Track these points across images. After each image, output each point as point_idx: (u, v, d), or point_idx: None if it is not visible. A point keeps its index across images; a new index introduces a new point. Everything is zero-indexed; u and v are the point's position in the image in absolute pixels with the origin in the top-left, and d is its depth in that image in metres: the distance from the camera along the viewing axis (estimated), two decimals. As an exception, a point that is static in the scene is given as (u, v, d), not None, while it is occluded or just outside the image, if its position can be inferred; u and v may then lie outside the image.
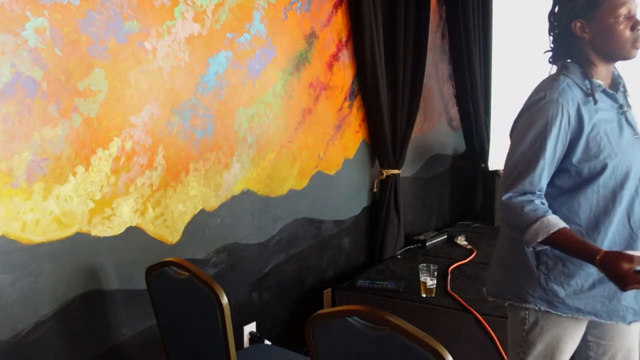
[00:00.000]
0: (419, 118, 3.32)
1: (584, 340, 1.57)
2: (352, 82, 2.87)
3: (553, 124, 1.40)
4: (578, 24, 1.45)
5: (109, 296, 1.80)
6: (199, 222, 2.08)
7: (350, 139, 2.90)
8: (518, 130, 1.47)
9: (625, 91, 1.54)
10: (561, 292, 1.45)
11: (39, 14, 1.54)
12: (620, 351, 1.56)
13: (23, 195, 1.53)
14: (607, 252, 1.31)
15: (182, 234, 2.02)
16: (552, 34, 1.54)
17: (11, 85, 1.49)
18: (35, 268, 1.58)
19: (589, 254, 1.33)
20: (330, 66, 2.70)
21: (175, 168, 1.97)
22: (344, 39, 2.78)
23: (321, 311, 1.25)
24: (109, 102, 1.73)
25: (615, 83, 1.53)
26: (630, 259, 1.26)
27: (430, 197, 3.84)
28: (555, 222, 1.37)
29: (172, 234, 1.98)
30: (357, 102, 2.91)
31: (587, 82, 1.45)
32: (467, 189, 4.30)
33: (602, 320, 1.46)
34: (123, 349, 1.85)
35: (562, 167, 1.45)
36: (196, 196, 2.05)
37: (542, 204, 1.41)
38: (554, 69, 1.56)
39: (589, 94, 1.43)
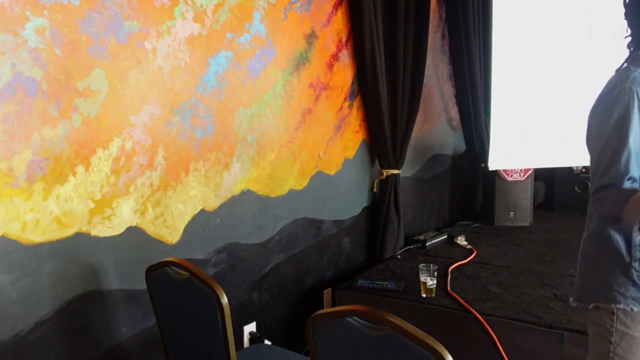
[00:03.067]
0: (419, 118, 3.32)
1: None
2: (352, 82, 2.87)
3: (632, 111, 1.36)
4: None
5: (109, 296, 1.80)
6: (199, 222, 2.08)
7: (350, 139, 2.90)
8: (596, 124, 1.43)
9: None
10: None
11: (39, 14, 1.54)
12: None
13: (23, 195, 1.53)
14: None
15: (182, 234, 2.02)
16: (627, 21, 1.49)
17: (11, 85, 1.49)
18: (35, 268, 1.58)
19: None
20: (330, 66, 2.70)
21: (175, 168, 1.97)
22: (344, 39, 2.78)
23: (321, 311, 1.25)
24: (109, 102, 1.73)
25: None
26: None
27: (430, 197, 3.84)
28: None
29: (172, 234, 1.98)
30: (357, 102, 2.91)
31: None
32: (467, 189, 4.30)
33: None
34: (123, 349, 1.85)
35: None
36: (196, 196, 2.05)
37: (635, 182, 1.35)
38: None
39: None
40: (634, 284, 1.37)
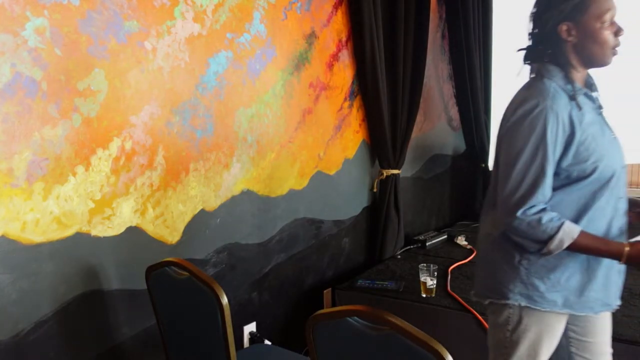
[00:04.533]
0: (419, 118, 3.32)
1: (566, 337, 1.61)
2: (352, 82, 2.87)
3: (551, 132, 1.39)
4: (565, 27, 1.45)
5: (109, 296, 1.80)
6: (199, 222, 2.08)
7: (350, 139, 2.90)
8: (514, 142, 1.44)
9: (597, 91, 1.56)
10: (541, 287, 1.47)
11: (39, 14, 1.54)
12: (599, 345, 1.60)
13: (23, 195, 1.53)
14: (632, 244, 1.38)
15: (182, 234, 2.02)
16: (532, 35, 1.54)
17: (11, 85, 1.49)
18: (35, 268, 1.58)
19: (617, 249, 1.39)
20: (330, 66, 2.70)
21: (175, 168, 1.97)
22: (344, 39, 2.78)
23: (321, 311, 1.25)
24: (109, 102, 1.73)
25: (589, 84, 1.55)
26: None
27: (430, 197, 3.84)
28: (573, 225, 1.40)
29: (172, 234, 1.98)
30: (357, 102, 2.91)
31: (569, 86, 1.45)
32: (467, 189, 4.30)
33: (575, 313, 1.50)
34: (123, 349, 1.85)
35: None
36: (196, 196, 2.05)
37: (550, 211, 1.42)
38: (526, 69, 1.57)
39: (573, 98, 1.44)
40: (522, 281, 1.48)
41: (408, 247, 3.24)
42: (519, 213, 1.40)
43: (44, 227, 1.59)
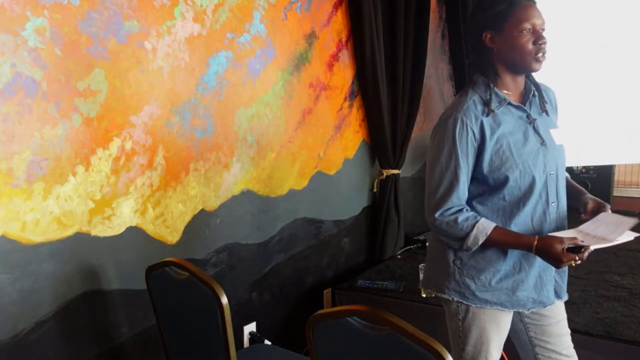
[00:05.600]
0: (419, 118, 3.32)
1: (522, 322, 1.69)
2: (352, 82, 2.87)
3: (460, 141, 1.50)
4: (488, 35, 1.53)
5: (109, 296, 1.80)
6: (199, 222, 2.08)
7: (350, 139, 2.90)
8: (432, 150, 1.56)
9: (542, 99, 1.61)
10: (472, 286, 1.57)
11: (39, 14, 1.54)
12: (556, 325, 1.67)
13: (23, 195, 1.53)
14: (540, 238, 1.48)
15: (182, 234, 2.02)
16: (467, 46, 1.63)
17: (11, 85, 1.49)
18: (35, 268, 1.58)
19: (527, 242, 1.49)
20: (330, 66, 2.70)
21: (175, 168, 1.97)
22: (344, 39, 2.78)
23: (321, 311, 1.25)
24: (109, 102, 1.73)
25: (527, 91, 1.60)
26: (561, 240, 1.45)
27: (430, 197, 3.84)
28: (488, 223, 1.51)
29: (172, 234, 1.98)
30: (357, 102, 2.91)
31: (487, 93, 1.53)
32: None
33: (505, 310, 1.59)
34: (123, 349, 1.85)
35: (472, 176, 1.55)
36: (196, 196, 2.05)
37: (468, 210, 1.53)
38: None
39: (487, 104, 1.52)
40: (455, 279, 1.59)
41: (408, 247, 3.23)
42: (437, 214, 1.53)
43: (44, 227, 1.59)
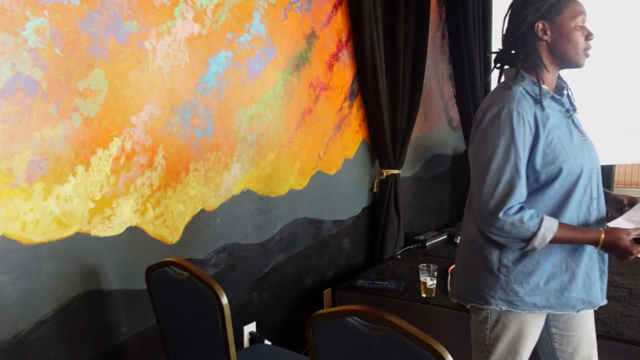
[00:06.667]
0: (419, 118, 3.32)
1: (549, 333, 1.64)
2: (352, 82, 2.87)
3: (518, 133, 1.43)
4: (540, 25, 1.49)
5: (109, 296, 1.80)
6: (199, 222, 2.08)
7: (350, 139, 2.90)
8: (485, 146, 1.47)
9: (570, 95, 1.60)
10: (520, 291, 1.51)
11: (39, 14, 1.54)
12: (583, 339, 1.63)
13: (23, 195, 1.53)
14: (607, 231, 1.44)
15: (182, 234, 2.02)
16: (506, 36, 1.58)
17: (11, 85, 1.49)
18: (35, 268, 1.58)
19: (594, 236, 1.44)
20: (330, 66, 2.70)
21: (175, 168, 1.97)
22: (344, 39, 2.78)
23: (321, 311, 1.25)
24: (109, 102, 1.73)
25: (560, 88, 1.59)
26: (628, 232, 1.42)
27: (430, 197, 3.84)
28: (551, 219, 1.45)
29: (172, 234, 1.98)
30: (357, 102, 2.91)
31: (536, 88, 1.49)
32: (467, 189, 4.30)
33: (555, 312, 1.54)
34: (123, 349, 1.85)
35: None
36: (196, 196, 2.05)
37: (527, 208, 1.46)
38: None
39: (538, 101, 1.47)
40: (502, 287, 1.52)
41: (408, 247, 3.24)
42: (500, 214, 1.43)
43: (44, 227, 1.59)
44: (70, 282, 1.68)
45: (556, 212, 1.49)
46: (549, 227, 1.42)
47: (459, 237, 3.37)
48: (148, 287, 1.69)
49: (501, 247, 1.51)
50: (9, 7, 1.48)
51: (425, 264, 2.46)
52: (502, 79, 1.59)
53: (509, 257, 1.51)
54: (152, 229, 1.90)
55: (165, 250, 1.95)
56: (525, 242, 1.44)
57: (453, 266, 2.81)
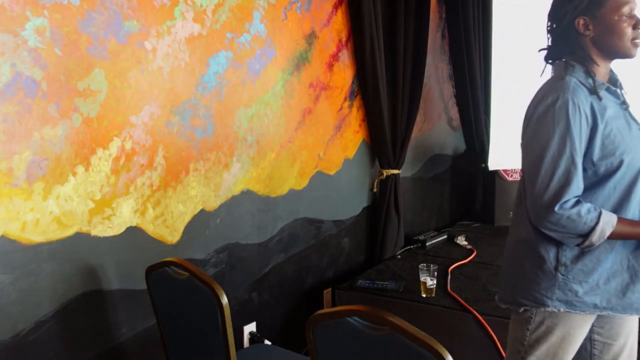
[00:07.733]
0: (419, 118, 3.32)
1: (590, 339, 1.58)
2: (352, 82, 2.87)
3: (574, 124, 1.38)
4: (582, 21, 1.46)
5: (109, 296, 1.80)
6: (199, 222, 2.08)
7: (350, 139, 2.90)
8: (539, 138, 1.42)
9: (621, 88, 1.55)
10: (580, 291, 1.44)
11: (39, 14, 1.54)
12: (624, 349, 1.58)
13: (23, 195, 1.53)
14: None
15: (182, 234, 2.02)
16: (551, 32, 1.55)
17: (11, 85, 1.49)
18: (35, 268, 1.58)
19: None
20: (330, 66, 2.70)
21: (175, 168, 1.97)
22: (344, 39, 2.78)
23: (321, 311, 1.25)
24: (109, 102, 1.73)
25: (613, 80, 1.55)
26: None
27: (430, 197, 3.84)
28: (609, 213, 1.39)
29: (172, 234, 1.98)
30: (357, 102, 2.91)
31: (590, 80, 1.45)
32: (467, 189, 4.30)
33: (616, 314, 1.46)
34: (123, 349, 1.85)
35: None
36: (196, 196, 2.05)
37: (584, 201, 1.40)
38: (548, 68, 1.58)
39: (594, 92, 1.43)
40: (560, 287, 1.44)
41: (408, 247, 3.23)
42: (556, 208, 1.37)
43: (44, 227, 1.59)
44: (70, 282, 1.68)
45: (617, 208, 1.43)
46: (608, 222, 1.36)
47: (459, 237, 3.41)
48: (148, 287, 1.69)
49: (558, 244, 1.45)
50: (9, 7, 1.47)
51: (425, 264, 2.46)
52: (553, 74, 1.54)
53: (568, 255, 1.44)
54: (152, 229, 1.90)
55: (165, 250, 1.95)
56: (583, 238, 1.38)
57: (453, 266, 2.82)
